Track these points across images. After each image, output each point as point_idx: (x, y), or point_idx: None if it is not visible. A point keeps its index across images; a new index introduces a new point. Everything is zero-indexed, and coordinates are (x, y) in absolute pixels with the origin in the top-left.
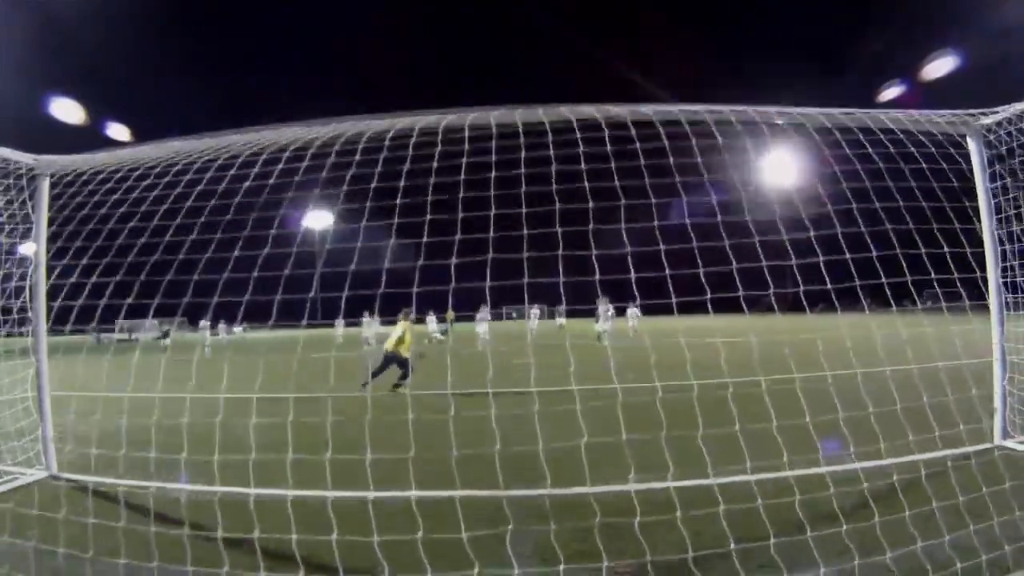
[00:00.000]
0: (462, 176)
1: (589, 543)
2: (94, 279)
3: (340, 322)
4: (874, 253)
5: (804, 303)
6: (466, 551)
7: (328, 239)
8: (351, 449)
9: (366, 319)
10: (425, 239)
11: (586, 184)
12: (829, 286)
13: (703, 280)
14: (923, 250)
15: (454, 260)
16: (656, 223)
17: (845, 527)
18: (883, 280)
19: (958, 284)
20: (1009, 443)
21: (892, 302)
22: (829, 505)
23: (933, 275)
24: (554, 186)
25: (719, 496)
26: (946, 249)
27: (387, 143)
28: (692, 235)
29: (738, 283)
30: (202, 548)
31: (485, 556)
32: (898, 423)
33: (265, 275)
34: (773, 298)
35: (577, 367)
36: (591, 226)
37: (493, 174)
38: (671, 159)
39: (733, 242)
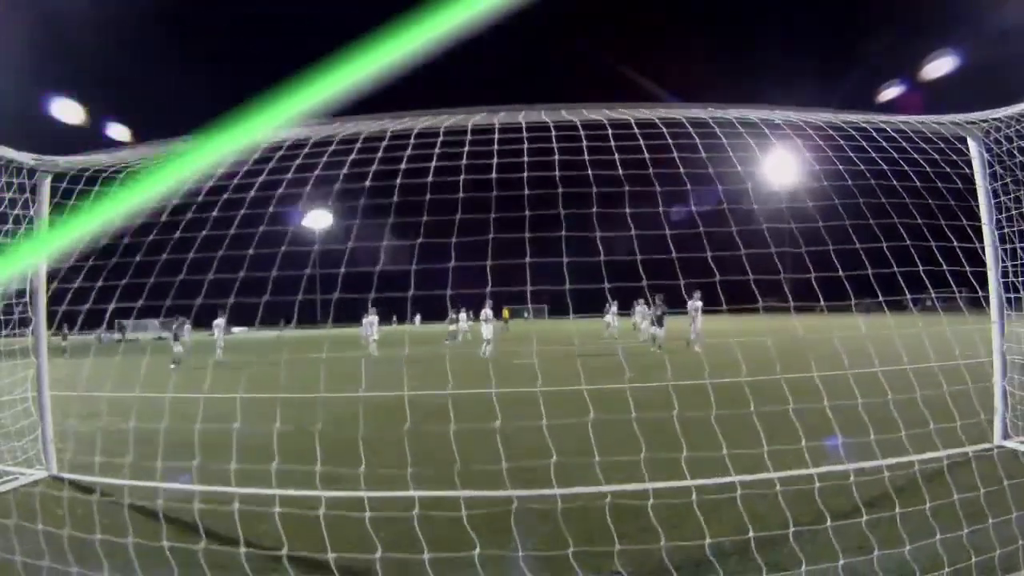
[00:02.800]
0: (461, 175)
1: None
2: (99, 284)
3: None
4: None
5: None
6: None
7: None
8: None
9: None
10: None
11: (593, 188)
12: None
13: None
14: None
15: (447, 257)
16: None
17: (840, 526)
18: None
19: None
20: (1009, 443)
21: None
22: (828, 504)
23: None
24: (560, 188)
25: (726, 492)
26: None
27: (386, 144)
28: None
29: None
30: (218, 551)
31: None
32: (899, 422)
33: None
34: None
35: None
36: (595, 210)
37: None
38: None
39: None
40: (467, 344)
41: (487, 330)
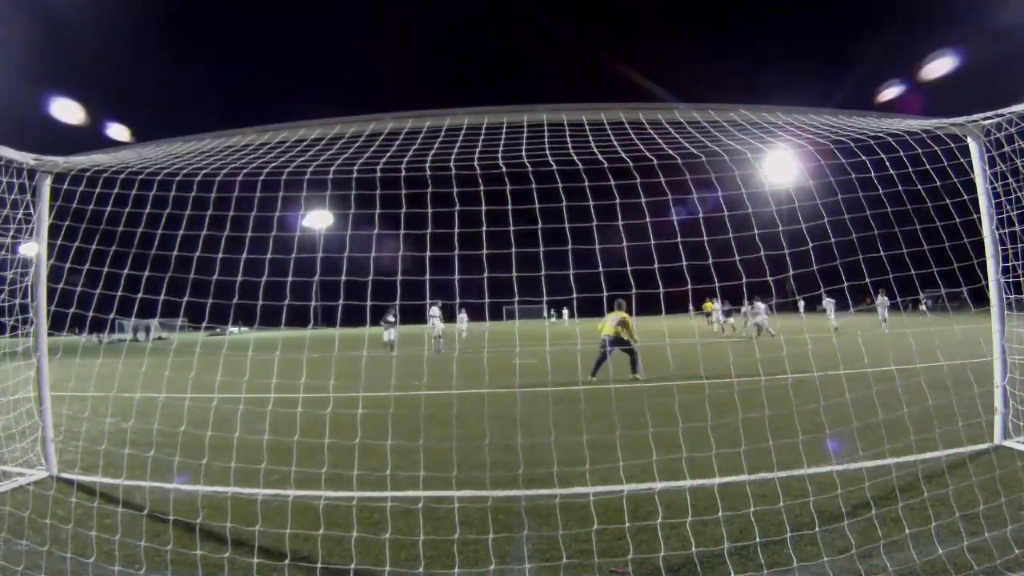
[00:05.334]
0: (453, 170)
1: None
2: (99, 288)
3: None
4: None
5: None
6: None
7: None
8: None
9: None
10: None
11: (586, 184)
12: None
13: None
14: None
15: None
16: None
17: (840, 527)
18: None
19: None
20: (1010, 443)
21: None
22: (830, 505)
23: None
24: (560, 184)
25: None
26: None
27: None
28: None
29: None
30: (209, 547)
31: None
32: (901, 423)
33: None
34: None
35: None
36: (595, 223)
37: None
38: (671, 160)
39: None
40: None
41: (437, 329)
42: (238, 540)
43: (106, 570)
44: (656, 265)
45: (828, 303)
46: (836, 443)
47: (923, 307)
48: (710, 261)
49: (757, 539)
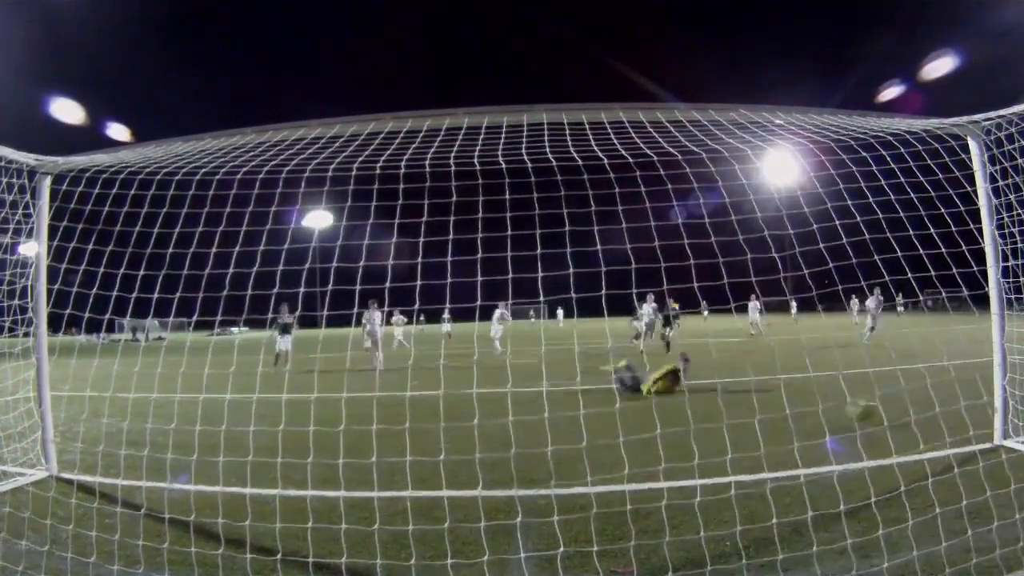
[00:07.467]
0: (452, 172)
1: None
2: (95, 289)
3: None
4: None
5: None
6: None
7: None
8: None
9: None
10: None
11: (587, 180)
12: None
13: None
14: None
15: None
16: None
17: (847, 524)
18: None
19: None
20: (1009, 443)
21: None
22: (830, 504)
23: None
24: (560, 180)
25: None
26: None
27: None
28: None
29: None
30: (206, 548)
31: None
32: (901, 422)
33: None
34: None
35: None
36: (595, 221)
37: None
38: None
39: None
40: None
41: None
42: (234, 539)
43: (106, 570)
44: (660, 262)
45: (752, 305)
46: (836, 443)
47: (899, 309)
48: (719, 257)
49: (758, 537)
